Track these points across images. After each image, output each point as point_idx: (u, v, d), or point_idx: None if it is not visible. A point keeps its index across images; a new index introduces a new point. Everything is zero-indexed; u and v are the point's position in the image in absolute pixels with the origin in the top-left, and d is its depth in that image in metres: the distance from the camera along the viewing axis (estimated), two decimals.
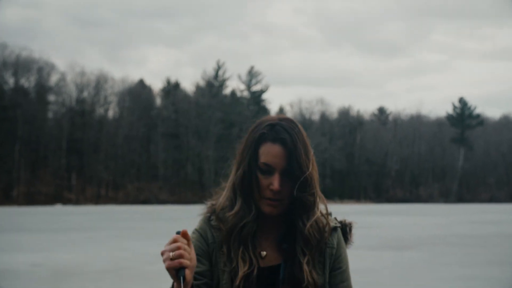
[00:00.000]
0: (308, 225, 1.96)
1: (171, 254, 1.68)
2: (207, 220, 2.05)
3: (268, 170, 1.92)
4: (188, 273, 1.70)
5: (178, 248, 1.68)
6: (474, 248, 18.19)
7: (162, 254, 1.70)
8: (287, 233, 2.00)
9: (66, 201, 65.89)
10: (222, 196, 2.06)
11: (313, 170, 1.96)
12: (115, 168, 72.54)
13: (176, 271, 1.69)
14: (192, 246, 1.73)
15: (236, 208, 1.98)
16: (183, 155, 75.98)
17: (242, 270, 1.93)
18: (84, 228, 26.18)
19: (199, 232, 2.04)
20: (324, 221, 2.01)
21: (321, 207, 2.03)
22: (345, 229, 2.11)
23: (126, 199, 70.02)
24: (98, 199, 69.33)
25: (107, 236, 22.13)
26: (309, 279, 1.94)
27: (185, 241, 1.71)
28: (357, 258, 14.80)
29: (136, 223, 30.97)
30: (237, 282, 1.93)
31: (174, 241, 1.70)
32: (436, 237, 22.05)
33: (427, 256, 16.16)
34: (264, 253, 2.00)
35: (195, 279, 1.93)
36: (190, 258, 1.71)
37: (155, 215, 40.37)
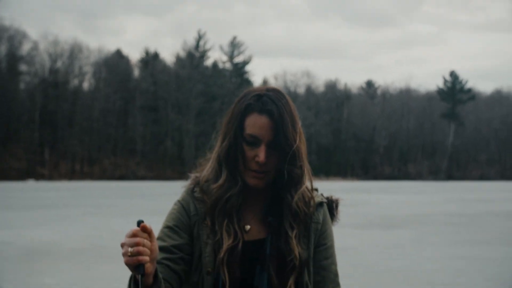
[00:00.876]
0: (296, 198, 1.99)
1: (129, 250, 1.68)
2: (191, 191, 2.07)
3: (254, 141, 1.95)
4: (149, 266, 1.71)
5: (137, 244, 1.68)
6: (464, 227, 18.37)
7: (122, 246, 1.70)
8: (272, 206, 2.03)
9: (38, 177, 65.60)
10: (206, 168, 2.09)
11: (301, 143, 1.98)
12: (91, 142, 72.24)
13: (134, 268, 1.70)
14: (154, 236, 1.73)
15: (221, 180, 2.01)
16: (162, 129, 75.77)
17: (226, 243, 1.95)
18: (57, 205, 26.09)
19: (181, 203, 2.06)
20: (310, 195, 2.04)
21: (308, 181, 2.05)
22: (331, 205, 2.14)
23: (102, 175, 69.86)
24: (72, 175, 69.10)
25: (81, 213, 22.09)
26: (296, 253, 1.96)
27: (144, 235, 1.70)
28: (343, 236, 14.89)
29: (112, 200, 30.91)
30: (221, 254, 1.95)
31: (134, 235, 1.70)
32: (425, 216, 22.23)
33: (414, 235, 16.30)
34: (248, 226, 2.02)
35: (171, 252, 1.96)
36: (150, 252, 1.70)
37: (133, 192, 40.29)
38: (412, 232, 16.87)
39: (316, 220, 2.05)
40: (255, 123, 1.95)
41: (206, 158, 2.12)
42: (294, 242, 1.97)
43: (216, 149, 2.05)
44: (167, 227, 2.03)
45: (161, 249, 1.94)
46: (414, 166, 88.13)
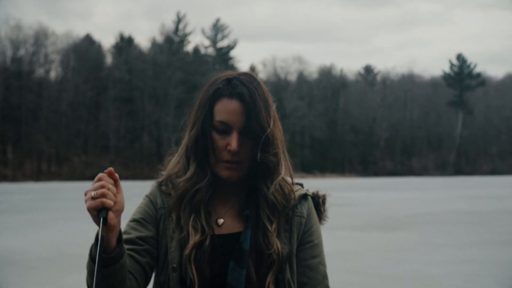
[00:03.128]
0: (272, 189, 2.03)
1: (93, 193, 1.75)
2: (158, 185, 2.15)
3: (225, 129, 1.99)
4: (113, 217, 1.77)
5: (102, 187, 1.76)
6: (473, 227, 18.46)
7: (85, 194, 1.78)
8: (248, 199, 2.07)
9: (1, 178, 65.28)
10: (173, 161, 2.15)
11: (275, 128, 2.01)
12: (58, 138, 71.94)
13: (97, 212, 1.76)
14: (120, 186, 1.80)
15: (189, 173, 2.06)
16: (138, 123, 75.58)
17: (193, 239, 2.00)
18: (22, 209, 25.98)
19: (149, 197, 2.14)
20: (289, 186, 2.08)
21: (287, 176, 2.09)
22: (317, 201, 2.17)
23: (71, 175, 69.60)
24: (38, 175, 68.81)
25: (50, 218, 22.02)
26: (275, 247, 2.00)
27: (110, 180, 1.79)
28: (341, 239, 14.95)
29: (83, 202, 30.76)
30: (187, 251, 1.99)
31: (99, 179, 1.78)
32: (430, 215, 22.33)
33: (419, 236, 16.37)
34: (221, 220, 2.07)
35: (136, 243, 2.02)
36: (115, 199, 1.78)
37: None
38: (416, 234, 16.94)
39: (299, 214, 2.08)
40: (225, 109, 1.99)
41: (174, 153, 2.17)
42: (273, 235, 2.01)
43: (184, 140, 2.11)
44: (133, 220, 2.10)
45: (126, 241, 1.99)
46: (419, 160, 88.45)
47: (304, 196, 2.12)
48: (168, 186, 2.10)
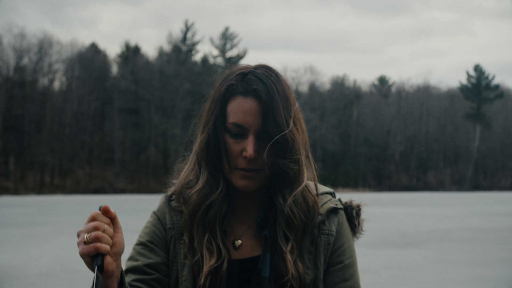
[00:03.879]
0: (289, 201, 1.83)
1: (85, 236, 1.58)
2: (168, 200, 1.97)
3: (240, 132, 1.82)
4: (110, 262, 1.62)
5: (95, 228, 1.59)
6: (491, 245, 18.37)
7: (78, 235, 1.62)
8: (268, 214, 1.89)
9: (2, 191, 65.46)
10: (184, 170, 1.97)
11: (296, 130, 1.84)
12: (62, 150, 72.16)
13: (91, 259, 1.59)
14: (118, 224, 1.66)
15: (201, 183, 1.88)
16: (144, 134, 75.76)
17: (208, 264, 1.82)
18: (23, 223, 26.03)
19: (157, 215, 1.97)
20: (313, 198, 1.89)
21: (311, 183, 1.91)
22: (351, 213, 1.98)
23: (75, 188, 69.75)
24: (41, 188, 68.98)
25: (51, 232, 22.04)
26: (293, 271, 1.81)
27: (106, 219, 1.63)
28: None
29: (87, 216, 30.79)
30: (202, 279, 1.82)
31: (92, 219, 1.62)
32: (446, 232, 22.24)
33: (434, 254, 16.30)
34: (239, 242, 1.90)
35: (144, 272, 1.87)
36: (112, 241, 1.62)
37: (110, 206, 40.16)
38: (431, 251, 16.86)
39: (327, 231, 1.89)
40: (239, 109, 1.81)
41: (186, 159, 2.00)
42: (288, 257, 1.81)
43: (195, 146, 1.93)
44: (139, 243, 1.94)
45: (133, 269, 1.87)
46: (435, 174, 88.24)
47: (334, 210, 1.93)
48: (179, 201, 1.91)
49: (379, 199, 55.05)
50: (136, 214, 31.23)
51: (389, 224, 25.85)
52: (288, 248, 1.82)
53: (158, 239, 1.92)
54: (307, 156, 1.90)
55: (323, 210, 1.90)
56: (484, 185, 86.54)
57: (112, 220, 1.64)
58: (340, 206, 1.95)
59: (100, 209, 1.62)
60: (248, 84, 1.82)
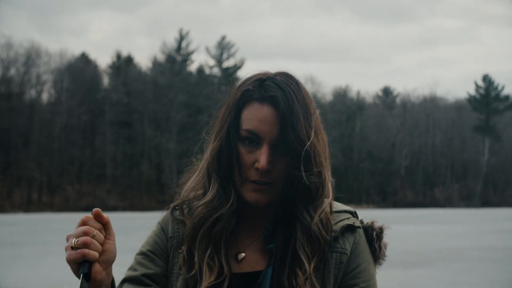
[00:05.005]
0: (316, 218, 1.80)
1: (73, 241, 1.57)
2: (172, 209, 1.97)
3: (254, 140, 1.79)
4: (99, 270, 1.61)
5: (84, 233, 1.58)
6: (502, 264, 18.36)
7: (67, 240, 1.61)
8: (277, 228, 1.86)
9: None
10: (191, 180, 1.95)
11: (318, 141, 1.81)
12: (51, 166, 72.09)
13: (78, 266, 1.58)
14: (111, 231, 1.65)
15: (210, 195, 1.85)
16: (137, 149, 75.72)
17: (207, 280, 1.79)
18: (9, 243, 25.98)
19: (160, 224, 1.97)
20: (327, 214, 1.86)
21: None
22: (371, 235, 1.92)
23: (64, 206, 69.60)
24: (28, 206, 68.85)
25: (40, 252, 22.00)
26: None
27: (97, 224, 1.62)
28: None
29: None
30: None
31: (83, 223, 1.60)
32: (455, 251, 22.22)
33: (442, 274, 16.28)
34: (242, 254, 1.87)
35: (142, 283, 1.86)
36: (102, 248, 1.61)
37: None
38: (440, 271, 16.85)
39: (339, 250, 1.85)
40: (255, 116, 1.78)
41: (195, 168, 1.97)
42: (302, 278, 1.77)
43: (206, 154, 1.90)
44: (140, 253, 1.94)
45: (130, 279, 1.86)
46: (442, 190, 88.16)
47: (350, 228, 1.88)
48: (182, 212, 1.90)
49: (383, 216, 54.80)
50: (129, 233, 31.15)
51: (394, 243, 25.77)
52: (311, 268, 1.78)
53: (159, 249, 1.92)
54: (328, 170, 1.89)
55: (337, 227, 1.86)
56: (494, 201, 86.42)
57: (104, 225, 1.63)
58: (357, 223, 1.90)
59: (92, 213, 1.61)
60: (266, 90, 1.79)
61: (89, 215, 1.61)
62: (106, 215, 1.62)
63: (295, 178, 1.77)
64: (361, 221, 1.93)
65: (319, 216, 1.81)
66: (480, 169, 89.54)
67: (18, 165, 69.98)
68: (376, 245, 1.90)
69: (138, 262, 1.91)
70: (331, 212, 1.88)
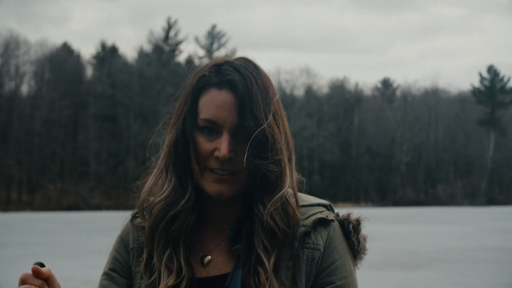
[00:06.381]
0: (271, 208, 1.75)
1: None
2: (132, 218, 1.95)
3: (213, 129, 1.76)
4: None
5: None
6: (507, 266, 18.40)
7: None
8: (242, 226, 1.82)
9: None
10: (150, 179, 1.91)
11: (277, 126, 1.76)
12: (31, 163, 71.98)
13: None
14: (55, 285, 1.63)
15: (166, 192, 1.83)
16: (122, 145, 75.66)
17: (164, 282, 1.77)
18: None
19: (121, 237, 1.96)
20: (294, 204, 1.80)
21: (290, 190, 1.82)
22: (347, 228, 1.86)
23: (45, 205, 69.53)
24: (7, 205, 68.74)
25: (19, 254, 21.96)
26: None
27: (38, 281, 1.60)
28: None
29: (59, 236, 30.78)
30: None
31: (22, 282, 1.61)
32: (458, 251, 22.27)
33: (445, 276, 16.33)
34: (208, 257, 1.84)
35: None
36: None
37: (85, 225, 40.16)
38: (442, 273, 16.89)
39: (311, 245, 1.80)
40: (212, 102, 1.76)
41: (152, 166, 1.94)
42: (267, 274, 1.73)
43: (164, 148, 1.87)
44: (103, 274, 1.93)
45: None
46: (445, 188, 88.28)
47: (323, 221, 1.82)
48: (142, 215, 1.87)
49: (383, 215, 55.07)
50: (113, 233, 31.04)
51: (394, 242, 25.87)
52: (270, 264, 1.74)
53: (119, 265, 1.90)
54: (290, 159, 1.82)
55: (309, 221, 1.81)
56: (499, 199, 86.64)
57: (47, 280, 1.61)
58: (330, 217, 1.84)
59: (38, 265, 1.61)
60: (223, 75, 1.77)
61: (28, 272, 1.60)
62: (46, 269, 1.59)
63: (253, 167, 1.73)
64: (337, 214, 1.88)
65: (274, 207, 1.75)
66: (485, 165, 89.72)
67: None
68: (354, 239, 1.85)
69: (101, 285, 1.90)
70: (298, 204, 1.82)
